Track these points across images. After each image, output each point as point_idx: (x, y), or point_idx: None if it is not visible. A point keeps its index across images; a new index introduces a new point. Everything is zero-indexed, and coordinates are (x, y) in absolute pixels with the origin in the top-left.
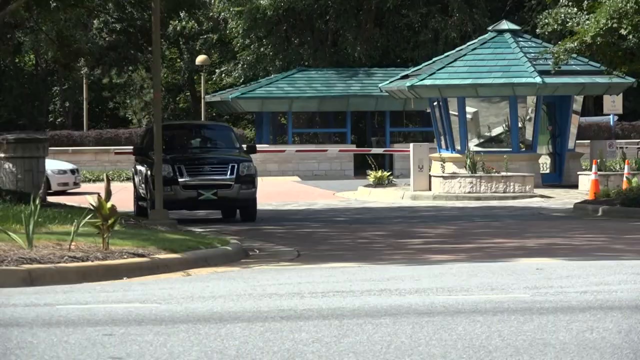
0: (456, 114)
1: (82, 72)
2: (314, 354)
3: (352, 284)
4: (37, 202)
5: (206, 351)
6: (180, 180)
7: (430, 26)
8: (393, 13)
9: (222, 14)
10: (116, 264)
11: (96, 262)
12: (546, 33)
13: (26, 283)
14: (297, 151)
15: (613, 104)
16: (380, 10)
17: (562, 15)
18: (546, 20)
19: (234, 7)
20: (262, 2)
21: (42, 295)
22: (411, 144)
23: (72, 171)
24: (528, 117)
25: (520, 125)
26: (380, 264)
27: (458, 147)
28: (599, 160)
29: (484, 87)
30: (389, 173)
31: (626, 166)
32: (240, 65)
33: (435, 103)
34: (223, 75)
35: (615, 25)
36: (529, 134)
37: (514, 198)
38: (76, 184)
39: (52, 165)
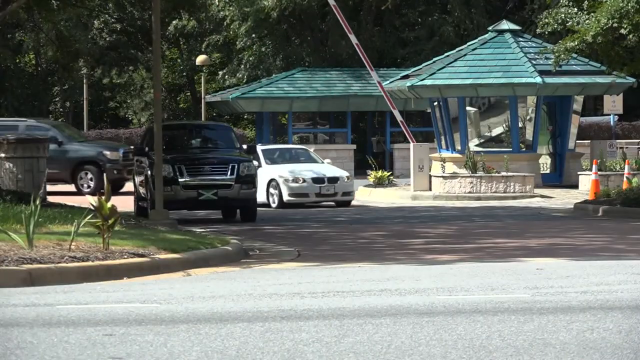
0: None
1: (81, 72)
2: (314, 354)
3: (353, 284)
4: (38, 202)
5: (206, 351)
6: (180, 180)
7: (428, 24)
8: (393, 14)
9: (222, 12)
10: (116, 264)
11: (96, 262)
12: (546, 33)
13: (26, 283)
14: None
15: (613, 104)
16: (380, 11)
17: (563, 15)
18: (546, 20)
19: (239, 9)
20: (265, 3)
21: (43, 295)
22: (411, 144)
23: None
24: (528, 117)
25: (520, 125)
26: (380, 264)
27: (458, 147)
28: (599, 160)
29: (484, 87)
30: (389, 173)
31: (626, 166)
32: (243, 66)
33: (435, 103)
34: (226, 77)
35: (615, 24)
36: (529, 134)
37: (514, 198)
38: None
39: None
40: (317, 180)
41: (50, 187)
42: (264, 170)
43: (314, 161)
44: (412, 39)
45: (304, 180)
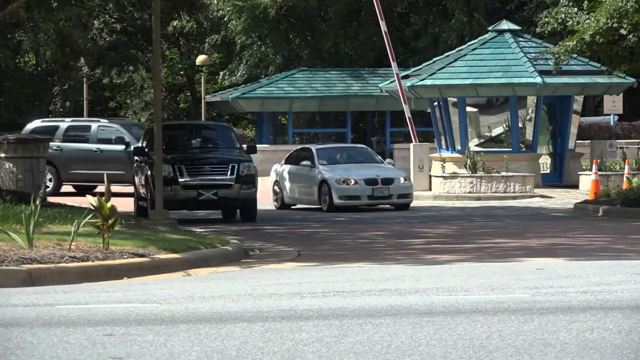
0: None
1: (82, 72)
2: (314, 354)
3: (353, 284)
4: (38, 202)
5: (206, 351)
6: (180, 180)
7: (430, 30)
8: (399, 17)
9: (221, 12)
10: (116, 264)
11: (96, 262)
12: (546, 33)
13: (26, 283)
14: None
15: (613, 104)
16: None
17: (562, 14)
18: (546, 19)
19: (234, 6)
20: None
21: (43, 295)
22: (411, 144)
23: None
24: (528, 117)
25: (520, 125)
26: (380, 264)
27: (458, 147)
28: (599, 160)
29: (484, 87)
30: None
31: (626, 166)
32: (243, 64)
33: (435, 103)
34: (227, 76)
35: (615, 24)
36: (529, 134)
37: (514, 198)
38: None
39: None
40: (370, 181)
41: (117, 189)
42: (317, 171)
43: (374, 161)
44: (420, 48)
45: (355, 182)
